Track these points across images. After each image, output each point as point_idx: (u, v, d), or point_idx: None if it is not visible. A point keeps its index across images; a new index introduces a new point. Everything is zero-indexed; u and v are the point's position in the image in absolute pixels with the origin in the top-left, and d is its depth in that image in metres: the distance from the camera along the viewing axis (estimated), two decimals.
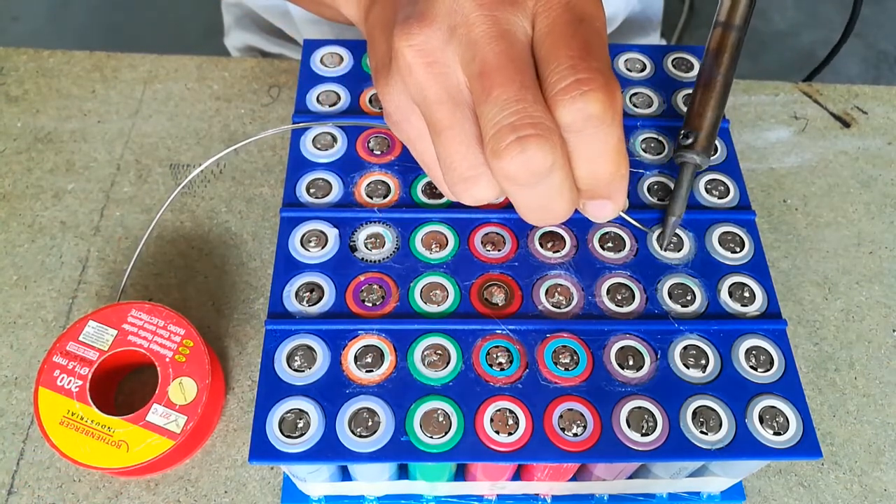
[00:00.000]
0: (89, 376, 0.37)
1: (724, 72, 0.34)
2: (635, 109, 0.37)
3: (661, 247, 0.33)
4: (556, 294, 0.31)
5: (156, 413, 0.36)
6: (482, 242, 0.33)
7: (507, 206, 0.34)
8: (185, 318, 0.39)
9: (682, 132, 0.33)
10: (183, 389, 0.37)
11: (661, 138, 0.36)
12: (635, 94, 0.38)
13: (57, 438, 0.36)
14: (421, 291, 0.31)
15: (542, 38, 0.26)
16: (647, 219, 0.33)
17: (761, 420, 0.29)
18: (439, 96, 0.26)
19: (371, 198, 0.34)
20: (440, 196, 0.34)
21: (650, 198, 0.34)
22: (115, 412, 0.37)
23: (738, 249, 0.33)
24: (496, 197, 0.27)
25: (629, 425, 0.28)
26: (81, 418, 0.36)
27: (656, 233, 0.33)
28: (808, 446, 0.28)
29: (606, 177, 0.26)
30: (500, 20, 0.25)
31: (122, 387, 0.41)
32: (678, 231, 0.33)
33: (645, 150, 0.36)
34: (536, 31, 0.26)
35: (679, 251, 0.33)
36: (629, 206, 0.34)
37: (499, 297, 0.31)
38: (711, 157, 0.34)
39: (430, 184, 0.34)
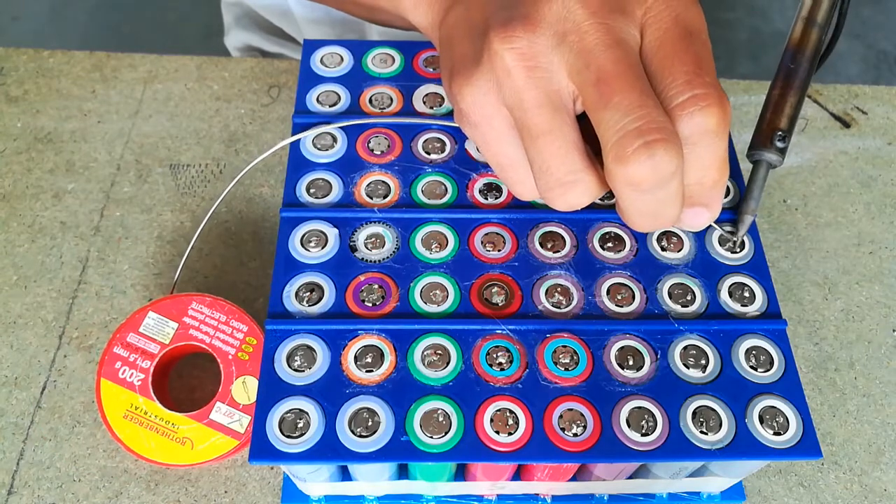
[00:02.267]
0: (151, 370, 0.37)
1: (806, 68, 0.33)
2: None
3: (735, 245, 0.33)
4: (556, 294, 0.31)
5: (219, 412, 0.36)
6: (482, 242, 0.33)
7: (508, 206, 0.34)
8: (248, 314, 0.38)
9: (779, 133, 0.32)
10: (247, 389, 0.36)
11: None
12: None
13: (122, 432, 0.36)
14: (421, 291, 0.31)
15: (654, 50, 0.26)
16: None
17: (761, 420, 0.29)
18: (539, 100, 0.26)
19: (371, 198, 0.34)
20: (440, 196, 0.34)
21: None
22: (171, 401, 0.36)
23: (738, 249, 0.33)
24: (589, 202, 0.27)
25: (629, 425, 0.28)
26: (145, 413, 0.36)
27: (716, 232, 0.33)
28: (808, 446, 0.28)
29: (710, 184, 0.27)
30: (613, 29, 0.25)
31: (177, 373, 0.41)
32: (678, 231, 0.33)
33: None
34: (646, 43, 0.26)
35: (679, 251, 0.33)
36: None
37: (499, 297, 0.31)
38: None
39: (430, 184, 0.34)
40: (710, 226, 0.33)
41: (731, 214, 0.34)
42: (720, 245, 0.33)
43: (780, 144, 0.32)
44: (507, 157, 0.28)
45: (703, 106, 0.25)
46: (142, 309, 0.38)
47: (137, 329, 0.38)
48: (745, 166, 0.36)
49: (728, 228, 0.33)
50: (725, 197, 0.34)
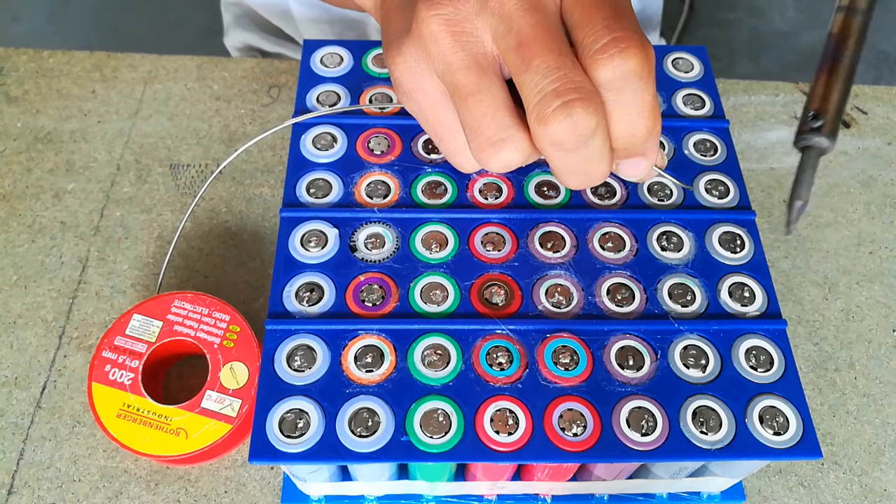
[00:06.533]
0: (140, 368, 0.38)
1: (850, 55, 0.33)
2: None
3: (787, 232, 0.32)
4: (556, 294, 0.31)
5: (210, 399, 0.37)
6: (482, 242, 0.33)
7: (508, 206, 0.34)
8: (229, 305, 0.39)
9: (811, 114, 0.32)
10: (234, 374, 0.37)
11: (660, 138, 0.36)
12: None
13: (116, 431, 0.36)
14: (421, 291, 0.31)
15: (573, 5, 0.26)
16: (647, 219, 0.33)
17: (761, 420, 0.29)
18: (466, 62, 0.26)
19: (371, 198, 0.34)
20: (440, 196, 0.34)
21: (650, 198, 0.34)
22: (164, 401, 0.37)
23: (738, 249, 0.33)
24: (523, 162, 0.27)
25: (629, 425, 0.28)
26: (137, 409, 0.37)
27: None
28: (808, 446, 0.28)
29: (643, 133, 0.27)
30: None
31: (170, 376, 0.41)
32: (678, 231, 0.33)
33: None
34: (565, 1, 0.27)
35: (679, 251, 0.33)
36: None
37: (499, 297, 0.31)
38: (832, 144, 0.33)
39: (430, 184, 0.34)
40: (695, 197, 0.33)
41: (735, 214, 0.34)
42: (720, 245, 0.33)
43: (813, 124, 0.32)
44: (444, 125, 0.29)
45: (623, 48, 0.25)
46: (127, 312, 0.39)
47: (124, 332, 0.38)
48: (750, 166, 0.36)
49: (675, 181, 0.33)
50: (725, 197, 0.34)
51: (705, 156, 0.36)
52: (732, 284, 0.32)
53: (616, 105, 0.26)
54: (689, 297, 0.32)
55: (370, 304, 0.31)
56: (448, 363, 0.30)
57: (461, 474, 0.35)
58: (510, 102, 0.27)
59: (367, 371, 0.29)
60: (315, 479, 0.34)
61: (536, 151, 0.27)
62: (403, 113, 0.36)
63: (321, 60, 0.38)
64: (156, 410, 0.37)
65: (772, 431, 0.29)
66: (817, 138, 0.32)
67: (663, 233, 0.33)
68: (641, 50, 0.25)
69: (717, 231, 0.33)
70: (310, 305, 0.31)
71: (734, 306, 0.31)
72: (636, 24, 0.26)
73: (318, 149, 0.35)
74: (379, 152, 0.35)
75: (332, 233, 0.33)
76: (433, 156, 0.35)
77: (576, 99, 0.25)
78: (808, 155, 0.32)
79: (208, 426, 0.37)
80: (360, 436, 0.28)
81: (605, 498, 0.37)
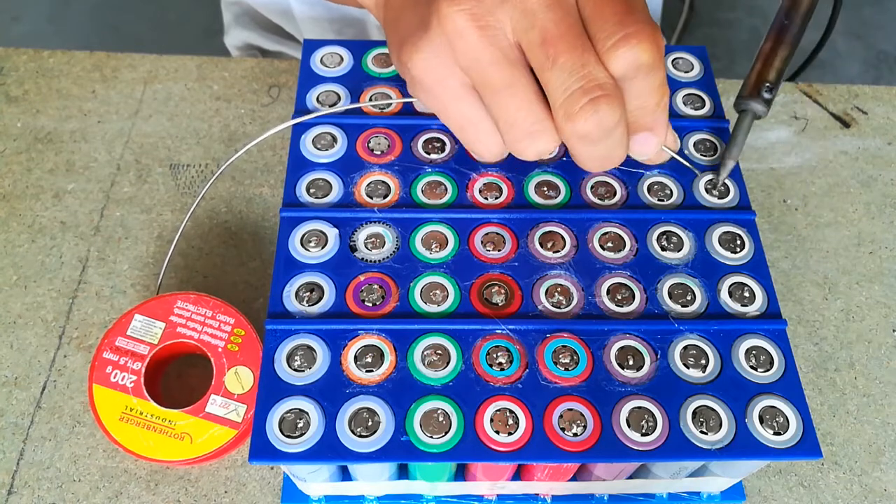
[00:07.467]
0: (142, 371, 0.37)
1: (798, 27, 0.35)
2: None
3: (714, 186, 0.34)
4: (556, 294, 0.31)
5: (214, 404, 0.37)
6: (482, 242, 0.33)
7: (508, 206, 0.34)
8: (234, 307, 0.39)
9: (766, 85, 0.34)
10: (240, 379, 0.37)
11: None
12: None
13: (118, 434, 0.36)
14: (421, 291, 0.31)
15: None
16: (647, 219, 0.33)
17: (761, 420, 0.29)
18: (495, 57, 0.27)
19: (371, 198, 0.34)
20: (440, 196, 0.34)
21: (650, 198, 0.34)
22: (168, 400, 0.37)
23: (738, 249, 0.33)
24: (555, 148, 0.29)
25: (629, 425, 0.28)
26: (140, 413, 0.36)
27: (704, 179, 0.35)
28: (808, 446, 0.28)
29: (651, 107, 0.28)
30: None
31: (168, 375, 0.41)
32: (678, 231, 0.33)
33: None
34: None
35: (679, 251, 0.33)
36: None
37: (499, 297, 0.31)
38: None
39: (430, 184, 0.34)
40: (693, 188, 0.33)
41: (735, 214, 0.34)
42: (720, 245, 0.33)
43: (766, 95, 0.34)
44: (465, 117, 0.29)
45: (634, 44, 0.26)
46: (128, 312, 0.39)
47: (125, 332, 0.38)
48: (750, 166, 0.36)
49: (687, 163, 0.34)
50: (725, 197, 0.34)
51: (705, 155, 0.36)
52: (732, 284, 0.32)
53: (630, 92, 0.27)
54: (689, 297, 0.32)
55: (370, 304, 0.31)
56: (448, 363, 0.30)
57: (461, 474, 0.35)
58: (540, 93, 0.27)
59: (367, 371, 0.29)
60: (315, 479, 0.34)
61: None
62: (403, 113, 0.36)
63: (321, 60, 0.38)
64: (159, 414, 0.36)
65: (772, 431, 0.29)
66: (757, 105, 0.34)
67: (663, 233, 0.33)
68: (653, 43, 0.26)
69: (717, 231, 0.33)
70: (310, 305, 0.31)
71: (734, 306, 0.31)
72: (646, 14, 0.27)
73: (318, 149, 0.35)
74: (379, 152, 0.35)
75: (332, 233, 0.33)
76: (433, 156, 0.35)
77: (601, 96, 0.26)
78: (745, 118, 0.35)
79: (213, 431, 0.36)
80: (360, 436, 0.28)
81: (605, 498, 0.37)
